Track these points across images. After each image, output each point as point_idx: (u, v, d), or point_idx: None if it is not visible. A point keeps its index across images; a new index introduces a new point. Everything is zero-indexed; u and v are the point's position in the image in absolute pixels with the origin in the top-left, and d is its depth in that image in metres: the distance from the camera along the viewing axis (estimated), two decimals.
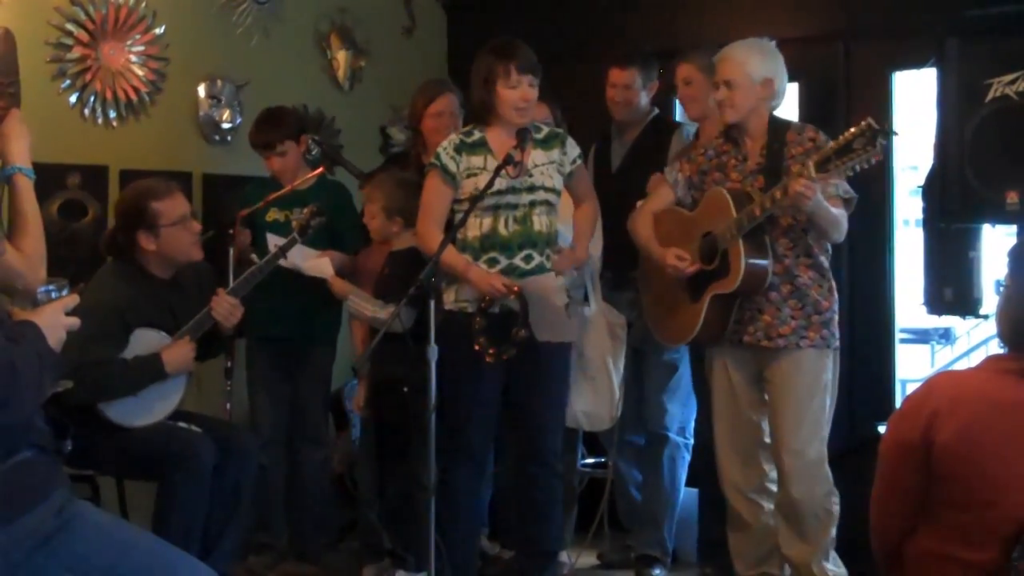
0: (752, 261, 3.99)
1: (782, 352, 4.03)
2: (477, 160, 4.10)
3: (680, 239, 4.18)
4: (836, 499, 4.04)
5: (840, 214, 3.98)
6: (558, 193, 4.16)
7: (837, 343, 4.08)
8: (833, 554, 4.08)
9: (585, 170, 4.39)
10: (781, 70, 4.10)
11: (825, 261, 4.06)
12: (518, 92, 4.06)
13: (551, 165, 4.14)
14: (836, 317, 4.07)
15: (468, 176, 4.09)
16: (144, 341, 4.03)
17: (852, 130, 3.71)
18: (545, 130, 4.22)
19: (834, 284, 4.10)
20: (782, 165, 4.00)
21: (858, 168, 3.74)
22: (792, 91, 4.65)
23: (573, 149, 4.22)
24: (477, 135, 4.13)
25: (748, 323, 4.07)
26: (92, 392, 3.85)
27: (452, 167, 4.09)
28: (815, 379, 4.03)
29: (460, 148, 4.11)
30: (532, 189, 4.11)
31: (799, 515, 4.03)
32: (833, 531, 4.05)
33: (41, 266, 3.01)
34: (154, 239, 4.08)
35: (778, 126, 4.09)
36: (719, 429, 4.25)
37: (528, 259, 4.09)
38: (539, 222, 4.10)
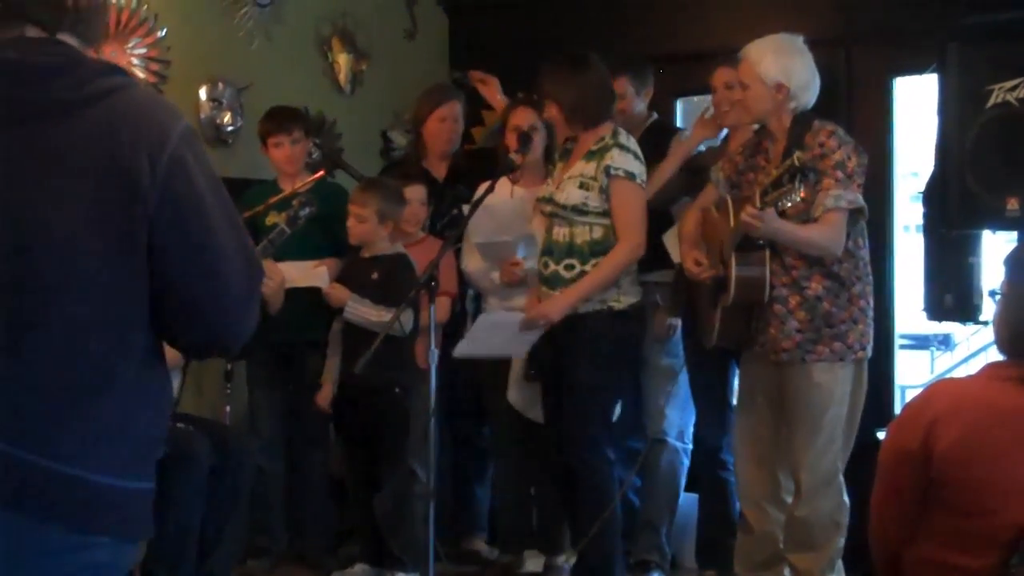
0: (743, 274, 3.90)
1: (791, 366, 3.96)
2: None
3: (710, 241, 4.14)
4: (846, 510, 4.00)
5: (816, 234, 3.83)
6: (578, 209, 4.16)
7: (859, 354, 3.96)
8: (839, 565, 4.05)
9: (628, 189, 4.16)
10: (799, 71, 3.94)
11: (844, 271, 3.91)
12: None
13: (576, 179, 4.18)
14: (861, 327, 3.94)
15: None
16: None
17: (785, 163, 3.70)
18: (603, 142, 4.20)
19: (860, 291, 3.95)
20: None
21: (788, 204, 3.69)
22: None
23: (610, 160, 4.14)
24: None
25: (760, 333, 4.00)
26: None
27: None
28: (827, 393, 3.94)
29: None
30: (549, 201, 4.25)
31: (807, 526, 4.01)
32: (841, 542, 4.02)
33: None
34: None
35: (799, 129, 3.93)
36: (738, 432, 4.25)
37: (545, 265, 4.24)
38: (558, 232, 4.20)
